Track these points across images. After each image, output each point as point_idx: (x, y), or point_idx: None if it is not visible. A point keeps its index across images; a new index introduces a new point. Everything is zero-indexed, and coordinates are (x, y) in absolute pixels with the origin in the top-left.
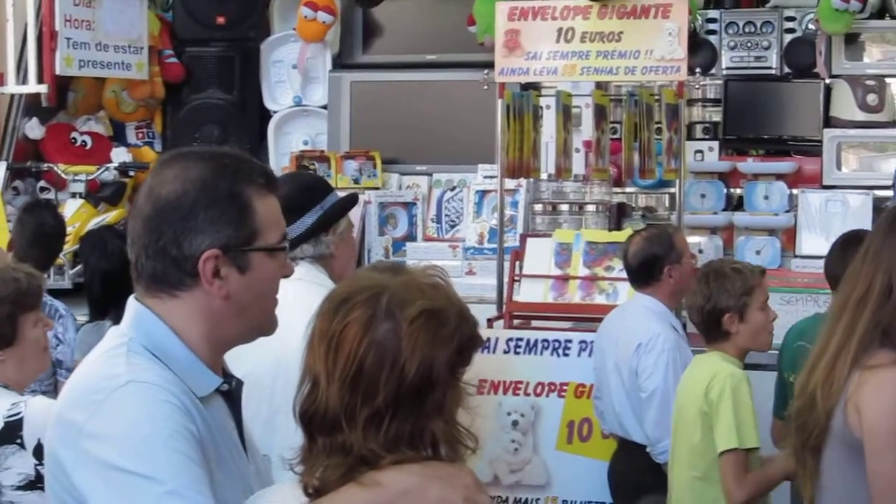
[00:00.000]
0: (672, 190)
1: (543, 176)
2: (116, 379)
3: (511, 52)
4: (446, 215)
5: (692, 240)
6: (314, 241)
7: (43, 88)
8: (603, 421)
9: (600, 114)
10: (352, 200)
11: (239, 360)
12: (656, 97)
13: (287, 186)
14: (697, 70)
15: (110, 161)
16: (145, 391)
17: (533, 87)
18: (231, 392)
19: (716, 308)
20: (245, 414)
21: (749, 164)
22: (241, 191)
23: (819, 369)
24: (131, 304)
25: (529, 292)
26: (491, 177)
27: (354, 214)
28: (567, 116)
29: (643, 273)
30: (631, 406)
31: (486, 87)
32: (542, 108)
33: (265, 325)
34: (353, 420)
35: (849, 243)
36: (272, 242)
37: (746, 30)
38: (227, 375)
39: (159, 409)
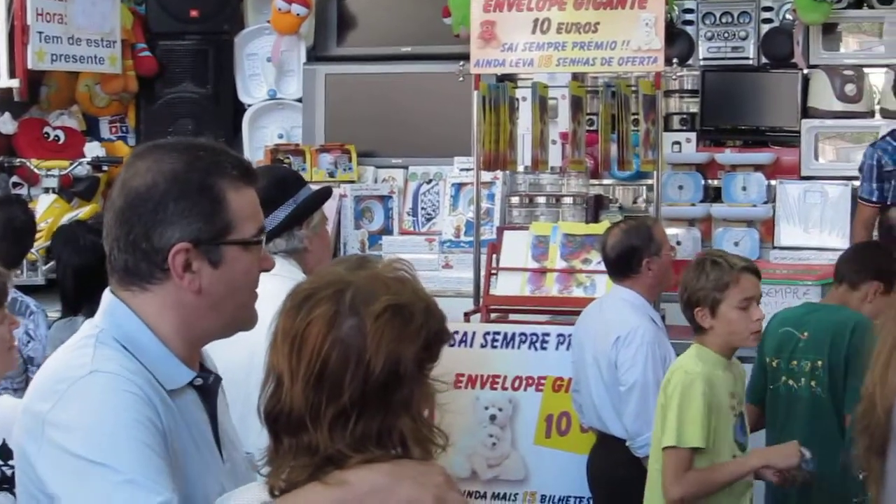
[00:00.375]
0: (650, 181)
1: (520, 168)
2: (81, 369)
3: (486, 44)
4: (422, 208)
5: (670, 231)
6: (287, 235)
7: (15, 83)
8: (581, 415)
9: (576, 105)
10: (326, 194)
11: (214, 355)
12: (633, 88)
13: (259, 180)
14: (674, 61)
15: (83, 156)
16: (108, 381)
17: (509, 79)
18: (206, 387)
19: (689, 300)
20: (221, 410)
21: (727, 156)
22: (214, 183)
23: (876, 371)
24: (106, 296)
25: (506, 285)
26: (467, 169)
27: (329, 208)
28: (543, 108)
29: (621, 265)
30: (610, 399)
31: (461, 78)
32: (517, 99)
33: (243, 320)
34: (319, 420)
35: (868, 249)
36: (247, 236)
37: (723, 20)
38: (204, 370)
39: (121, 399)
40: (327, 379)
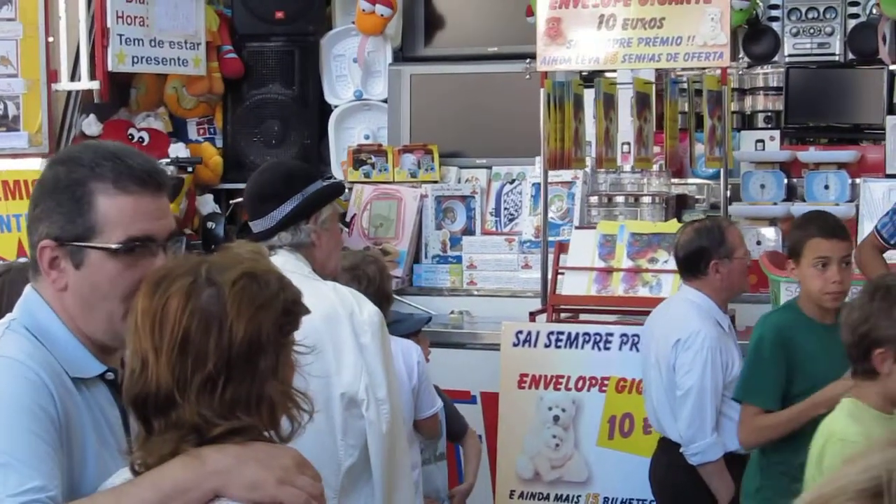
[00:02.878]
0: (737, 180)
1: (588, 166)
2: None
3: (553, 41)
4: (505, 209)
5: (751, 230)
6: (293, 228)
7: (95, 85)
8: (650, 416)
9: (643, 102)
10: (335, 189)
11: None
12: (697, 83)
13: (266, 175)
14: (741, 56)
15: (167, 157)
16: (5, 365)
17: (599, 75)
18: (118, 382)
19: (867, 337)
20: None
21: (810, 153)
22: (83, 184)
23: None
24: (25, 290)
25: (573, 285)
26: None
27: (411, 208)
28: (609, 104)
29: (689, 265)
30: (668, 403)
31: (528, 76)
32: (584, 97)
33: (111, 330)
34: (186, 390)
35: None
36: (111, 242)
37: (809, 16)
38: (124, 365)
39: (13, 384)
40: (191, 348)
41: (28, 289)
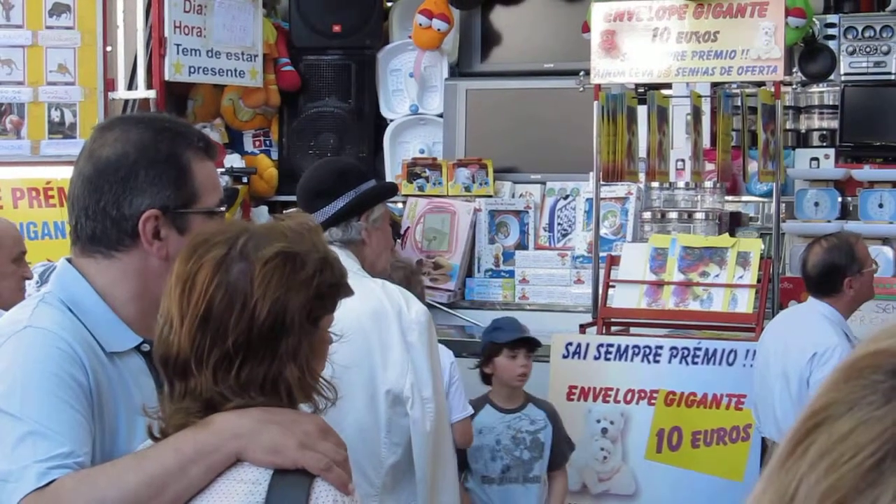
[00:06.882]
0: (791, 198)
1: (641, 181)
2: (18, 324)
3: (607, 54)
4: (558, 224)
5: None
6: (344, 225)
7: (151, 94)
8: (759, 422)
9: (696, 116)
10: (388, 189)
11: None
12: (751, 97)
13: (320, 171)
14: (794, 70)
15: (222, 167)
16: (38, 335)
17: (654, 89)
18: (153, 354)
19: None
20: None
21: (865, 171)
22: (181, 153)
23: None
24: (59, 262)
25: (624, 298)
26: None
27: (464, 222)
28: (662, 118)
29: (822, 285)
30: (795, 415)
31: (581, 89)
32: (637, 110)
33: None
34: (203, 363)
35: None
36: (211, 205)
37: (866, 34)
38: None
39: (45, 353)
40: (212, 321)
41: (63, 263)
